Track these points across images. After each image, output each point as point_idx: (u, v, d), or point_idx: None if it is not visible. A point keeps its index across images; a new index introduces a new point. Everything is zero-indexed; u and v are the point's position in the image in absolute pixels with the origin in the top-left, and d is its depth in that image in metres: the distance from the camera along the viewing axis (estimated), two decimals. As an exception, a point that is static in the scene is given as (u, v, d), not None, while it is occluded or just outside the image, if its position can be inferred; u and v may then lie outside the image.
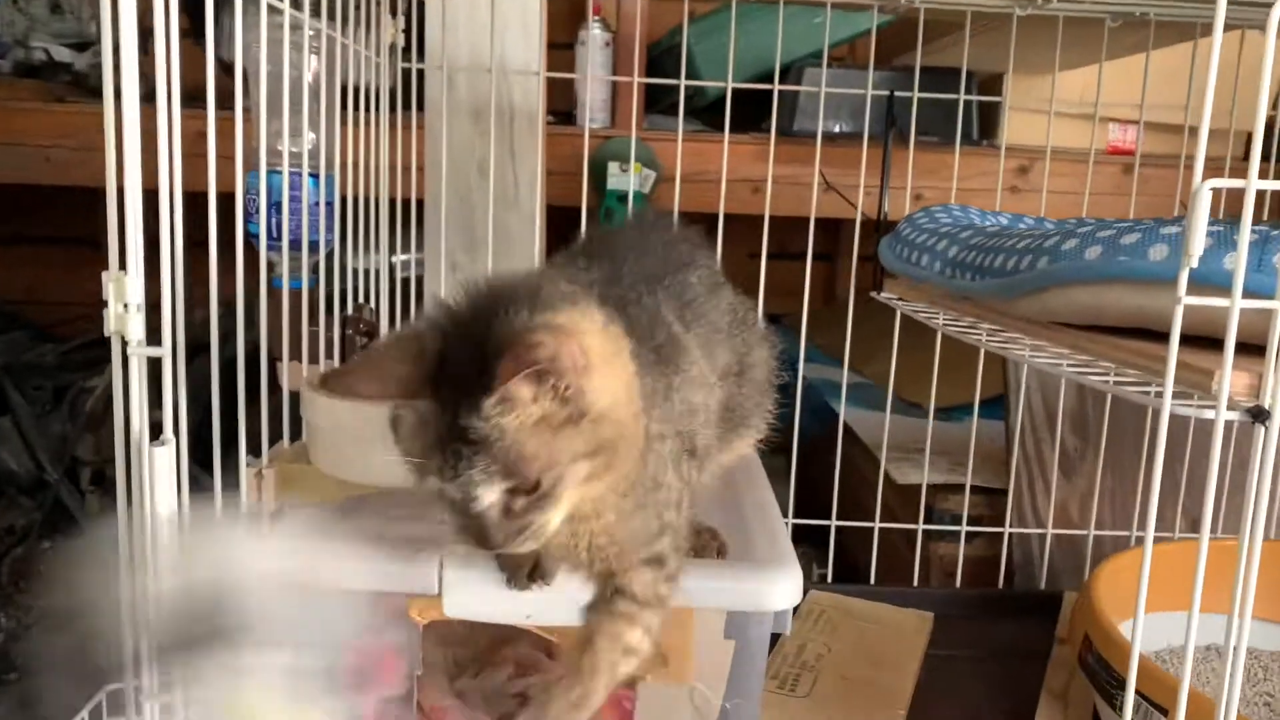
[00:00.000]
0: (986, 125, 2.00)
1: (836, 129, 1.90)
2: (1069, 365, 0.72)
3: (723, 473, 0.77)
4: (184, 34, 0.70)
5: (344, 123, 1.05)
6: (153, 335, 0.57)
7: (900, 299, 1.14)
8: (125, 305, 0.53)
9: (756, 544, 0.77)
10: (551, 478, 0.52)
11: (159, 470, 0.55)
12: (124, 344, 0.54)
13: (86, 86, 1.88)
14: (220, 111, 0.75)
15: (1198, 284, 0.51)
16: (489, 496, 0.52)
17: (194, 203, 0.70)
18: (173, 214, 0.58)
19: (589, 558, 0.61)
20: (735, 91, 1.41)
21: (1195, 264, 0.49)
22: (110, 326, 0.53)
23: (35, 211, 2.23)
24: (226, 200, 0.77)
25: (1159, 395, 0.60)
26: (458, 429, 0.50)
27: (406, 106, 1.33)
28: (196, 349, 0.83)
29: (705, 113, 2.02)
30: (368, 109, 1.14)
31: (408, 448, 0.54)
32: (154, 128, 0.60)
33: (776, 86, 1.38)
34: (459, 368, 0.51)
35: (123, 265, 0.53)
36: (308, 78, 0.96)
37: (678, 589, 0.66)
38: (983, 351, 1.38)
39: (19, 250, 2.38)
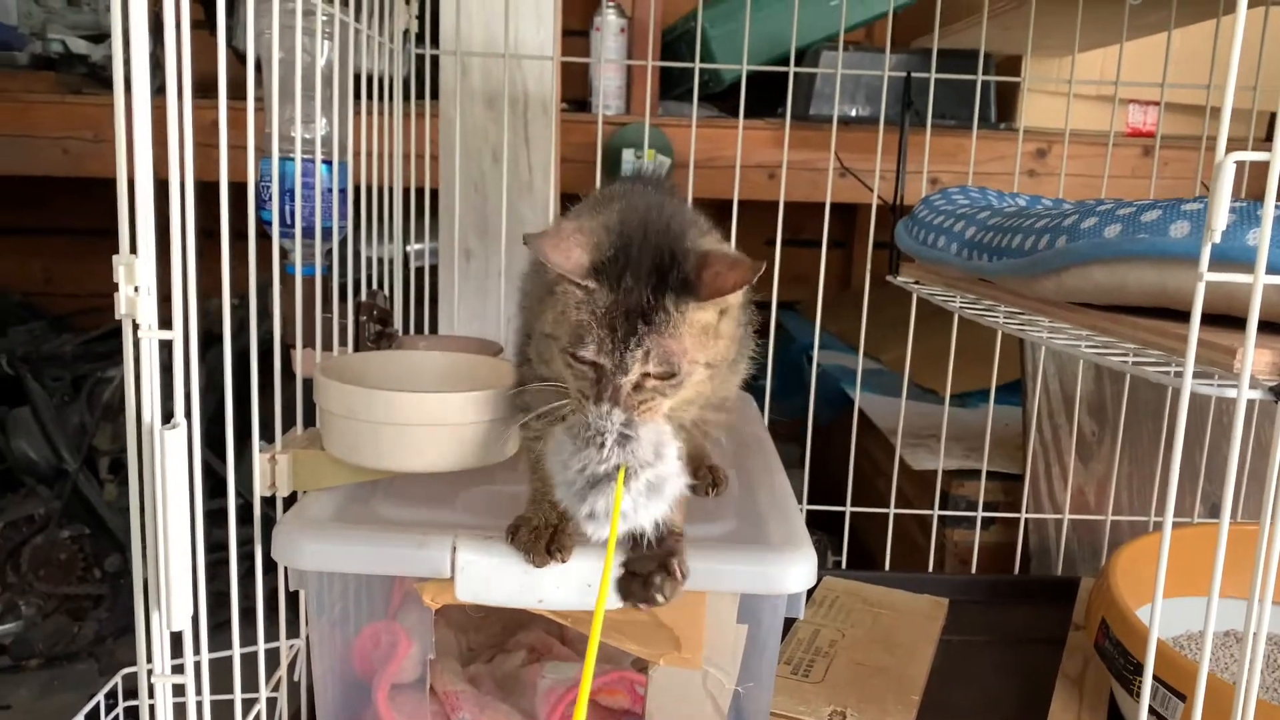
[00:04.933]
0: (1004, 108, 1.98)
1: (853, 113, 1.89)
2: (1088, 346, 0.71)
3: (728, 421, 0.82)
4: (199, 24, 0.70)
5: (357, 111, 1.05)
6: (167, 326, 0.57)
7: (917, 282, 1.13)
8: (136, 288, 0.52)
9: (770, 527, 0.76)
10: (685, 371, 0.64)
11: (170, 454, 0.55)
12: (135, 327, 0.54)
13: (102, 78, 1.88)
14: (234, 101, 0.75)
15: (1219, 261, 0.50)
16: (636, 370, 0.63)
17: (208, 192, 0.70)
18: (184, 195, 0.57)
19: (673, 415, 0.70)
20: (750, 76, 1.40)
21: (1218, 239, 0.48)
22: (121, 309, 0.53)
23: (53, 203, 2.24)
24: (241, 190, 0.77)
25: (1179, 375, 0.59)
26: (640, 313, 0.62)
27: (420, 95, 1.33)
28: (212, 338, 0.84)
29: (720, 98, 2.01)
30: (382, 97, 1.14)
31: (554, 329, 0.66)
32: (167, 117, 0.61)
33: (792, 69, 1.36)
34: (642, 267, 0.63)
35: (134, 249, 0.53)
36: (320, 64, 0.95)
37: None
38: (999, 336, 1.37)
39: (37, 241, 2.39)
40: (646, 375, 0.63)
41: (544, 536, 0.70)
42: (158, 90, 0.61)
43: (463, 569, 0.70)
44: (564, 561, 0.69)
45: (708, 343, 0.66)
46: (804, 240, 1.98)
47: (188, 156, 0.60)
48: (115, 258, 0.53)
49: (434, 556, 0.70)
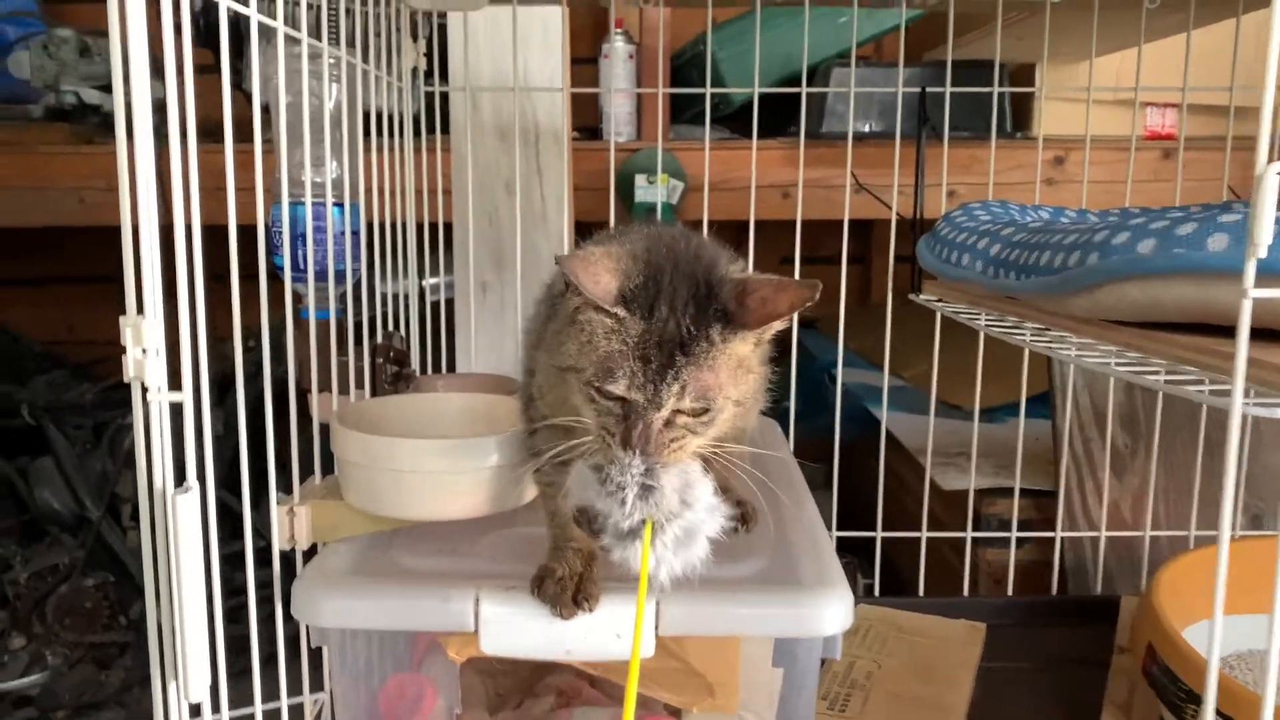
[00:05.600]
0: (1019, 117, 1.96)
1: (866, 129, 1.87)
2: (1118, 363, 0.69)
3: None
4: (207, 69, 0.69)
5: (368, 149, 1.04)
6: (178, 383, 0.56)
7: (940, 300, 1.10)
8: (144, 350, 0.51)
9: (802, 564, 0.74)
10: (719, 407, 0.61)
11: (183, 518, 0.53)
12: (144, 390, 0.53)
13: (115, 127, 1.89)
14: (241, 145, 0.74)
15: (1262, 275, 0.48)
16: (669, 408, 0.59)
17: (219, 237, 0.69)
18: (191, 257, 0.56)
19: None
20: (761, 96, 1.39)
21: (1263, 254, 0.46)
22: (129, 372, 0.52)
23: (72, 252, 2.25)
24: (252, 233, 0.76)
25: (1216, 393, 0.57)
26: (678, 344, 0.59)
27: (431, 130, 1.33)
28: (228, 384, 0.82)
29: (731, 120, 2.00)
30: (391, 135, 1.13)
31: (577, 360, 0.62)
32: (169, 164, 0.60)
33: (805, 89, 1.35)
34: (678, 296, 0.60)
35: (140, 308, 0.52)
36: (329, 106, 0.95)
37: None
38: (1026, 351, 1.34)
39: (57, 291, 2.40)
40: (678, 412, 0.60)
41: (570, 587, 0.67)
42: (163, 137, 0.61)
43: (487, 622, 0.68)
44: (591, 611, 0.67)
45: (740, 377, 0.63)
46: (820, 257, 1.96)
47: (194, 206, 0.59)
48: (122, 319, 0.51)
49: (457, 610, 0.68)
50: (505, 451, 0.75)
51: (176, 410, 0.54)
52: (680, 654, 0.72)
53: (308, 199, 0.93)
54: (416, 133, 1.27)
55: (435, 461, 0.73)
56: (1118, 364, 0.68)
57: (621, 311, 0.60)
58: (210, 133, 0.70)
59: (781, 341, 0.80)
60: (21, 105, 1.80)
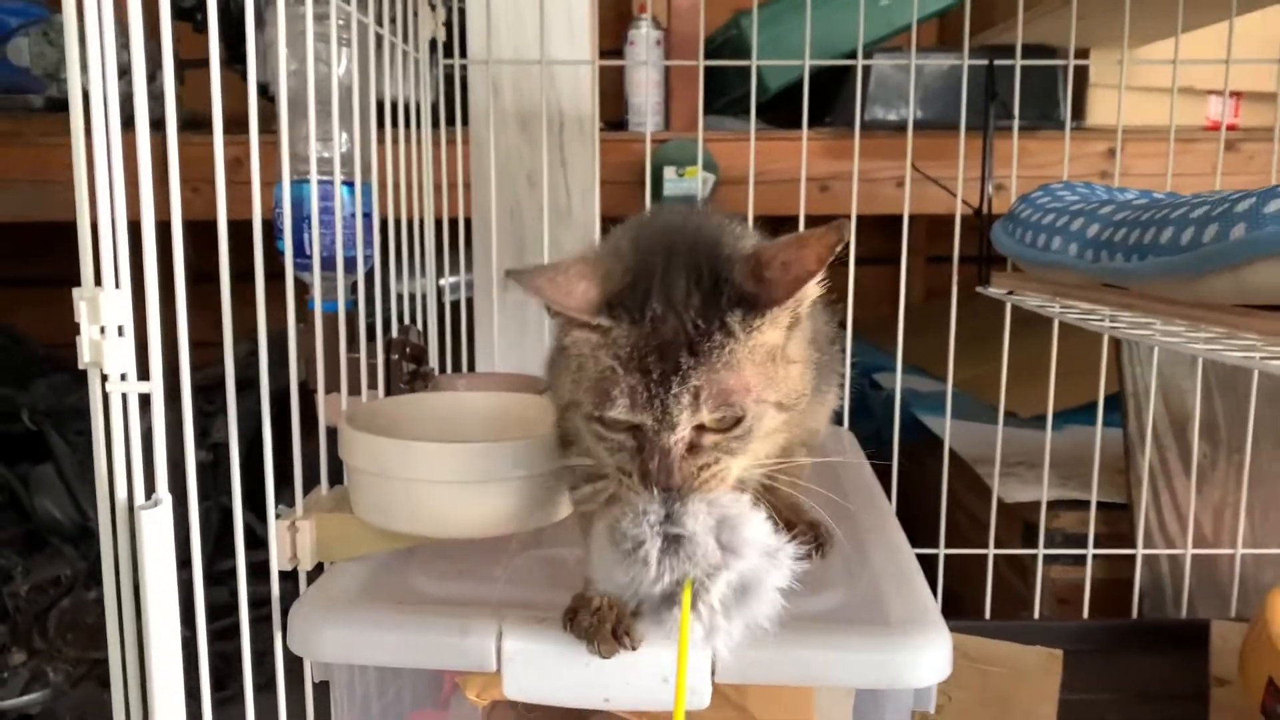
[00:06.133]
0: (1073, 107, 1.85)
1: (910, 117, 1.76)
2: (1265, 356, 0.58)
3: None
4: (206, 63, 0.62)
5: (381, 128, 0.95)
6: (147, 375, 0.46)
7: (1010, 292, 1.00)
8: (102, 328, 0.41)
9: (888, 598, 0.63)
10: (754, 415, 0.49)
11: (150, 538, 0.43)
12: (103, 379, 0.42)
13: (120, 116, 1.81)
14: (241, 134, 0.65)
15: None
16: (687, 423, 0.48)
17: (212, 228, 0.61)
18: (170, 230, 0.46)
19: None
20: (796, 86, 1.29)
21: None
22: (84, 356, 0.42)
23: (74, 251, 2.17)
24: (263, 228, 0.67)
25: None
26: (683, 344, 0.48)
27: (451, 121, 1.23)
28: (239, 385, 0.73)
29: (763, 110, 1.90)
30: (408, 124, 1.04)
31: (573, 393, 0.52)
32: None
33: (860, 61, 1.24)
34: (674, 288, 0.49)
35: (98, 279, 0.42)
36: (337, 72, 0.85)
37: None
38: (1104, 349, 1.23)
39: (60, 292, 2.31)
40: (703, 429, 0.49)
41: (609, 619, 0.56)
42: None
43: (511, 660, 0.57)
44: (634, 649, 0.56)
45: (776, 373, 0.51)
46: (860, 259, 1.86)
47: (173, 166, 0.49)
48: (76, 292, 0.41)
49: (476, 646, 0.58)
50: (536, 459, 0.65)
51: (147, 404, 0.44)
52: (741, 703, 0.61)
53: (313, 176, 0.83)
54: (434, 123, 1.18)
55: (456, 469, 0.63)
56: (1265, 357, 0.58)
57: (605, 321, 0.49)
58: (203, 124, 0.62)
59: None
60: (22, 95, 1.72)
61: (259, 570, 0.73)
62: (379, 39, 0.89)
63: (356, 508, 0.68)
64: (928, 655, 0.56)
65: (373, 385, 0.91)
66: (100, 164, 0.42)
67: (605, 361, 0.49)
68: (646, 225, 0.57)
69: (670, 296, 0.49)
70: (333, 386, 0.85)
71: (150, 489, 0.45)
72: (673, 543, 0.46)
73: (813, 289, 0.51)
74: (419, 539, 0.67)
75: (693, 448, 0.49)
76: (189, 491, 0.49)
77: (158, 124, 0.56)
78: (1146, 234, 0.67)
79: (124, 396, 0.43)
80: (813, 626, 0.58)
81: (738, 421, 0.49)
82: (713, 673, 0.57)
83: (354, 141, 0.86)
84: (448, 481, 0.63)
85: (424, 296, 1.14)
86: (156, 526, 0.43)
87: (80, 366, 0.43)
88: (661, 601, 0.47)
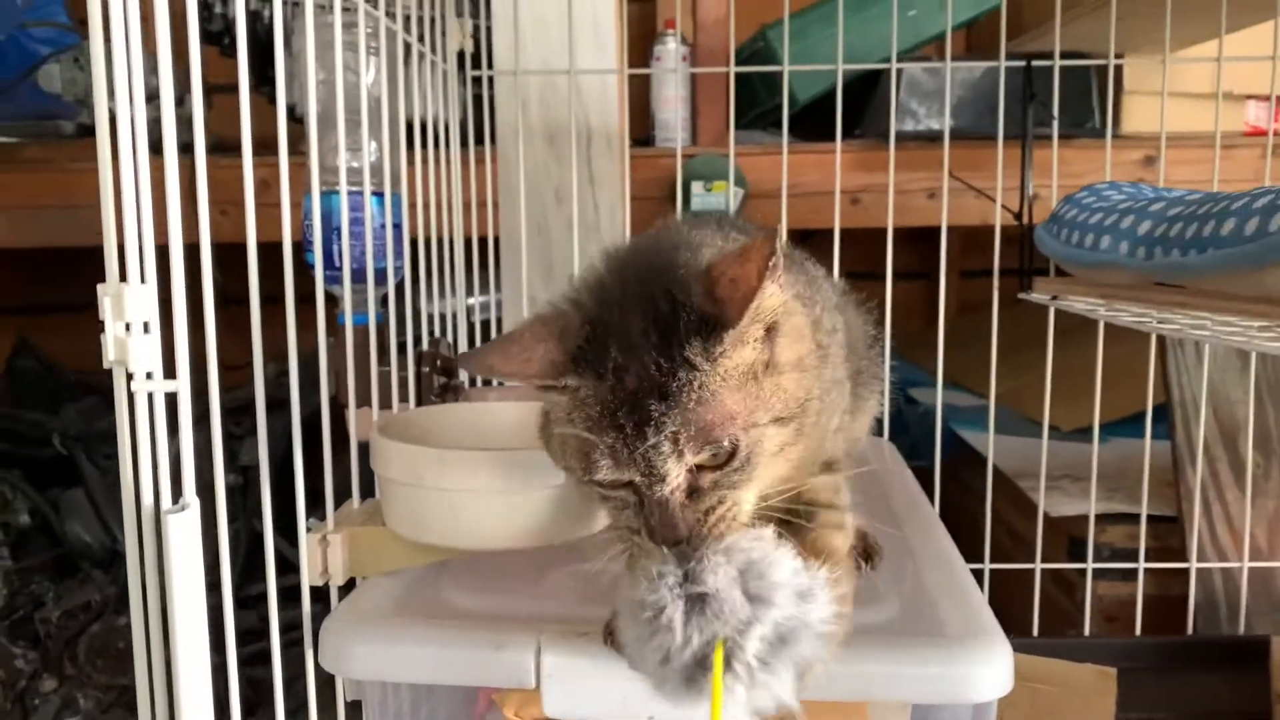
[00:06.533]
0: (1106, 113, 1.82)
1: (939, 127, 1.74)
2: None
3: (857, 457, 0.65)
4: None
5: (410, 148, 0.93)
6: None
7: (1055, 297, 0.97)
8: (127, 325, 0.40)
9: (943, 609, 0.60)
10: (748, 443, 0.46)
11: (177, 543, 0.41)
12: (129, 378, 0.41)
13: (149, 141, 1.82)
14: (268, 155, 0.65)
15: None
16: (676, 471, 0.45)
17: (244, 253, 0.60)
18: (196, 208, 0.45)
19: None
20: (824, 99, 1.27)
21: None
22: (109, 355, 0.40)
23: (104, 276, 2.19)
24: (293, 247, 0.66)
25: None
26: (650, 389, 0.45)
27: (480, 140, 1.23)
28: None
29: (790, 124, 1.88)
30: (437, 143, 1.03)
31: (565, 460, 0.49)
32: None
33: (894, 64, 1.22)
34: (631, 329, 0.46)
35: (123, 274, 0.40)
36: (366, 81, 0.84)
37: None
38: (1151, 358, 1.20)
39: (89, 316, 2.33)
40: (700, 470, 0.46)
41: None
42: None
43: (550, 677, 0.55)
44: None
45: (762, 391, 0.47)
46: (883, 273, 1.84)
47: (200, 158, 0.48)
48: (101, 288, 0.40)
49: (514, 661, 0.55)
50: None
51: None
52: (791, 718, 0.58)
53: (343, 186, 0.82)
54: (463, 142, 1.17)
55: (493, 478, 0.61)
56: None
57: (572, 381, 0.47)
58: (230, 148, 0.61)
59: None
60: (52, 121, 1.74)
61: (289, 594, 0.71)
62: (407, 48, 0.88)
63: (389, 520, 0.67)
64: (988, 669, 0.53)
65: (404, 399, 0.89)
66: (125, 158, 0.40)
67: (580, 423, 0.47)
68: (612, 258, 0.53)
69: (629, 341, 0.46)
70: (363, 401, 0.83)
71: (177, 493, 0.44)
72: (696, 603, 0.43)
73: (771, 301, 0.47)
74: (453, 552, 0.65)
75: (693, 492, 0.46)
76: (218, 512, 0.47)
77: (185, 147, 0.55)
78: (1205, 227, 0.65)
79: (149, 396, 0.41)
80: (866, 639, 0.55)
81: (732, 454, 0.46)
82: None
83: (383, 151, 0.85)
84: (484, 491, 0.61)
85: (454, 316, 1.13)
86: (184, 531, 0.42)
87: (105, 365, 0.41)
88: (695, 666, 0.44)
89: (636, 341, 0.46)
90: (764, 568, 0.44)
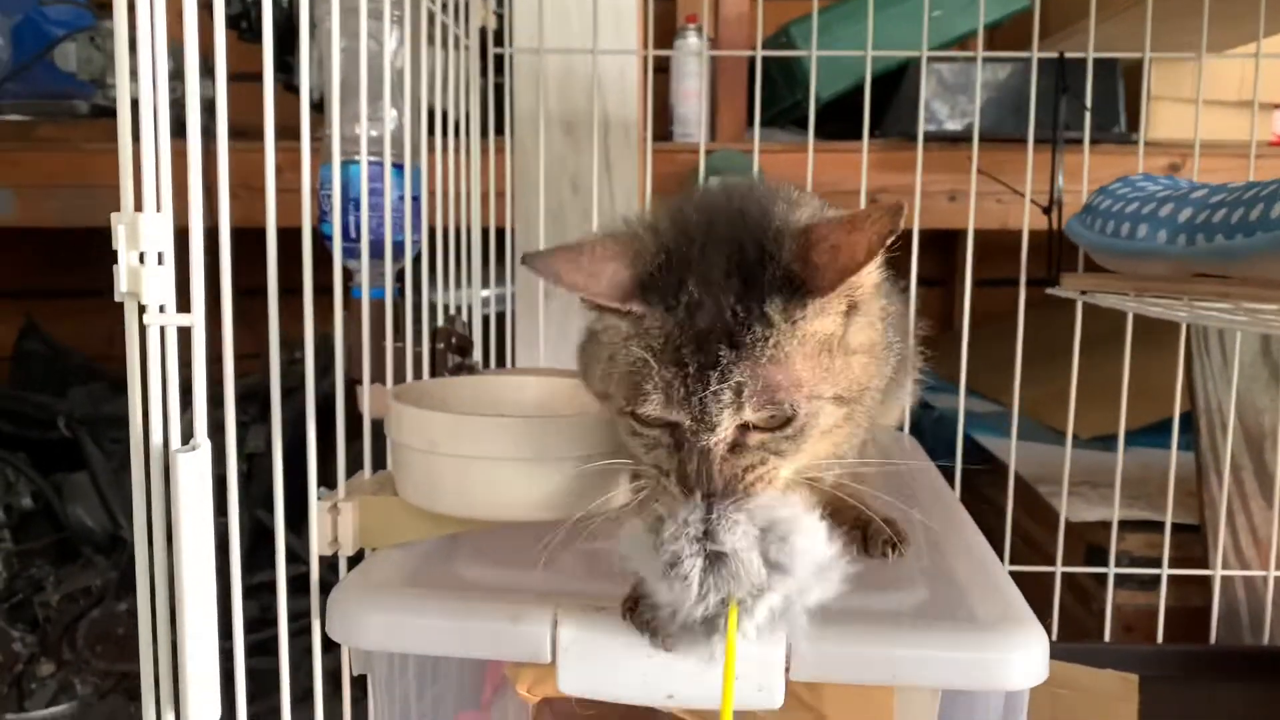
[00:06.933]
0: (1131, 119, 1.80)
1: (958, 127, 1.72)
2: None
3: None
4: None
5: (431, 135, 0.92)
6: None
7: (1084, 292, 0.95)
8: (141, 256, 0.38)
9: (973, 595, 0.58)
10: (807, 413, 0.44)
11: (186, 483, 0.39)
12: (141, 310, 0.39)
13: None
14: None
15: None
16: (729, 424, 0.43)
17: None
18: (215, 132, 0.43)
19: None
20: (844, 98, 1.26)
21: None
22: (121, 286, 0.39)
23: (115, 259, 2.18)
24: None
25: None
26: (723, 334, 0.43)
27: (500, 130, 1.21)
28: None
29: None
30: (456, 132, 1.01)
31: (604, 385, 0.48)
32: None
33: (925, 54, 1.21)
34: (712, 268, 0.44)
35: (138, 203, 0.38)
36: (389, 48, 0.82)
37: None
38: (1180, 365, 1.18)
39: (98, 301, 2.31)
40: (751, 427, 0.44)
41: None
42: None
43: (567, 651, 0.53)
44: None
45: (832, 365, 0.46)
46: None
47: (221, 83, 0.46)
48: (114, 216, 0.38)
49: (530, 634, 0.53)
50: (595, 438, 0.60)
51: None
52: (816, 705, 0.56)
53: (363, 156, 0.81)
54: (481, 133, 1.16)
55: (512, 445, 0.59)
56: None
57: (638, 307, 0.45)
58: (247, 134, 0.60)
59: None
60: (68, 101, 1.73)
61: (294, 584, 0.69)
62: (431, 17, 0.87)
63: (402, 490, 0.64)
64: (1022, 654, 0.51)
65: (418, 376, 0.88)
66: (145, 91, 0.39)
67: (637, 352, 0.45)
68: (692, 197, 0.52)
69: (708, 278, 0.44)
70: (377, 377, 0.82)
71: (188, 434, 0.42)
72: (715, 561, 0.42)
73: (869, 276, 0.46)
74: (467, 523, 0.63)
75: (736, 446, 0.45)
76: (229, 501, 0.45)
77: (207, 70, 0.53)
78: (1253, 210, 0.63)
79: (162, 330, 0.39)
80: (896, 623, 0.53)
81: (788, 420, 0.45)
82: (786, 670, 0.52)
83: (403, 120, 0.84)
84: (502, 458, 0.59)
85: (469, 308, 1.11)
86: (193, 471, 0.40)
87: (116, 298, 0.40)
88: (703, 624, 0.43)
89: (716, 281, 0.44)
90: (789, 530, 0.43)
